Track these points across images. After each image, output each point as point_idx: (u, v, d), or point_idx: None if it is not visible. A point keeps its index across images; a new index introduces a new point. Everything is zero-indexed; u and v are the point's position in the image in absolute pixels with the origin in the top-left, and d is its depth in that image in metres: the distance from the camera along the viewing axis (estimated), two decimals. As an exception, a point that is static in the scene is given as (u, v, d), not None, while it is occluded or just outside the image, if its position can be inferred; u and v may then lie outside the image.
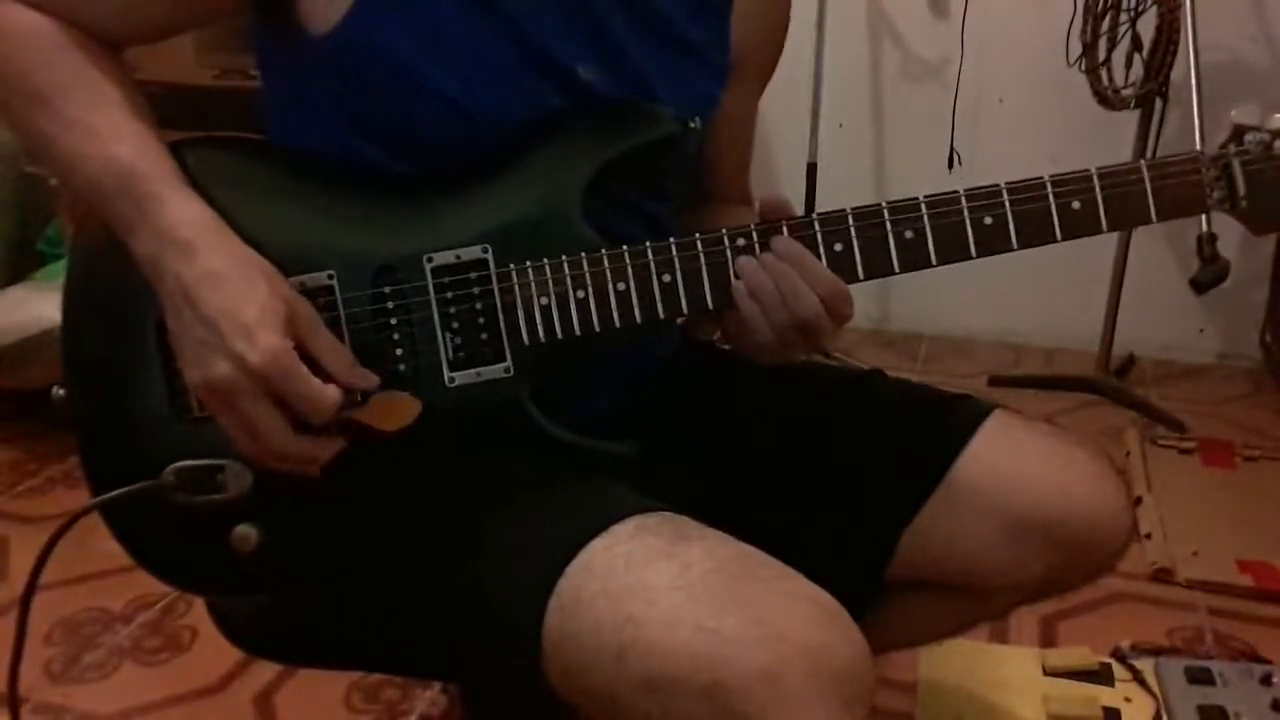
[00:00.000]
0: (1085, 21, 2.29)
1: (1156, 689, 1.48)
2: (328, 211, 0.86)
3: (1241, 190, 0.87)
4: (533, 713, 0.83)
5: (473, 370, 0.84)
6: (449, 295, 0.84)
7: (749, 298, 0.84)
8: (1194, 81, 1.99)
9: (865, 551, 0.99)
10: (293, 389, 0.74)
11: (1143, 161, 0.86)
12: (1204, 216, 1.89)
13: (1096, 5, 2.27)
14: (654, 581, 0.72)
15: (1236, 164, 0.87)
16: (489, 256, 0.84)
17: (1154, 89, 2.23)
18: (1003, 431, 0.98)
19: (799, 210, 0.85)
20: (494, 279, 0.84)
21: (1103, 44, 2.28)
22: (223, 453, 0.79)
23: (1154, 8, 2.20)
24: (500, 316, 0.84)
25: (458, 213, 0.85)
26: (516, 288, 0.84)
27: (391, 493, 0.86)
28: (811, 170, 2.62)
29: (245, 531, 0.82)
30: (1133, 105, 2.28)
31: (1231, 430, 2.37)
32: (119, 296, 0.84)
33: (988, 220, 0.85)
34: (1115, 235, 2.47)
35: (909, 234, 0.85)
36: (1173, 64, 2.18)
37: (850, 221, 0.85)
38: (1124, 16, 2.24)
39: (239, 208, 0.81)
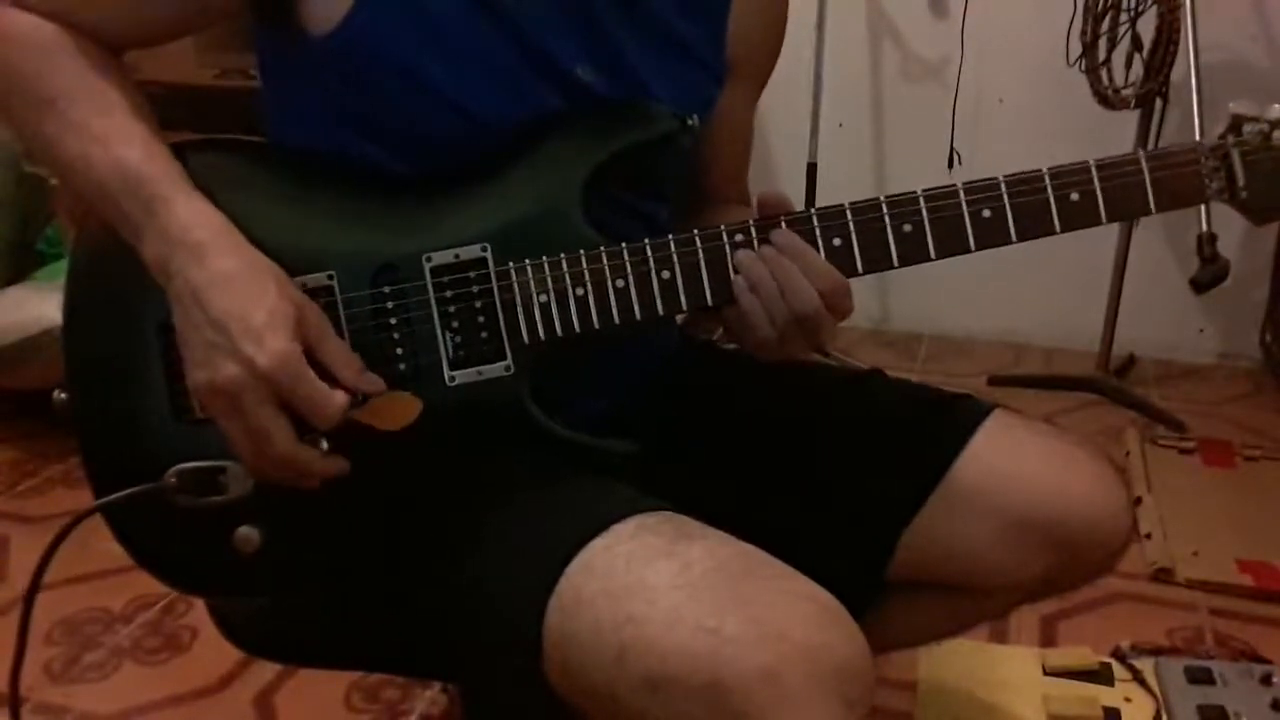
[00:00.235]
0: (1085, 21, 2.29)
1: (1156, 689, 1.48)
2: (327, 212, 0.86)
3: (1241, 180, 0.87)
4: (533, 713, 0.83)
5: (473, 369, 0.84)
6: (449, 294, 0.84)
7: (748, 292, 0.84)
8: (1194, 81, 1.99)
9: (865, 551, 0.99)
10: (300, 393, 0.74)
11: (1141, 152, 0.86)
12: (1204, 216, 1.89)
13: (1096, 5, 2.27)
14: (654, 581, 0.72)
15: (1235, 154, 0.87)
16: (488, 255, 0.84)
17: (1154, 89, 2.23)
18: (1003, 431, 0.98)
19: (798, 207, 0.86)
20: (493, 278, 0.84)
21: (1103, 44, 2.28)
22: (224, 454, 0.79)
23: (1154, 8, 2.20)
24: (500, 315, 0.84)
25: (457, 212, 0.85)
26: (516, 286, 0.84)
27: (392, 492, 0.86)
28: (811, 170, 2.62)
29: (247, 533, 0.82)
30: (1133, 105, 2.28)
31: (1231, 430, 2.37)
32: (120, 298, 0.84)
33: (986, 213, 0.85)
34: (1115, 234, 2.47)
35: (907, 228, 0.85)
36: (1173, 64, 2.18)
37: (848, 216, 0.85)
38: (1124, 16, 2.24)
39: (240, 209, 0.81)
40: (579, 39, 0.87)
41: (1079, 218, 0.86)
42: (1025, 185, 0.85)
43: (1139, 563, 1.83)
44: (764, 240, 0.84)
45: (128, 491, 0.82)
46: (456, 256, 0.84)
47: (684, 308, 0.85)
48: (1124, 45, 2.26)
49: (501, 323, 0.84)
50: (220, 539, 0.82)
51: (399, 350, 0.84)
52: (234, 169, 0.87)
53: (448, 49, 0.83)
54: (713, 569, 0.73)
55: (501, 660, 0.80)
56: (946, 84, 2.69)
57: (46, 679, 1.56)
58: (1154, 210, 0.87)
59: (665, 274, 0.84)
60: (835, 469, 1.00)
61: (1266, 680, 1.46)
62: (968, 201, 0.85)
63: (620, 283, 0.84)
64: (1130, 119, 2.33)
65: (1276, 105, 0.86)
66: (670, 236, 0.85)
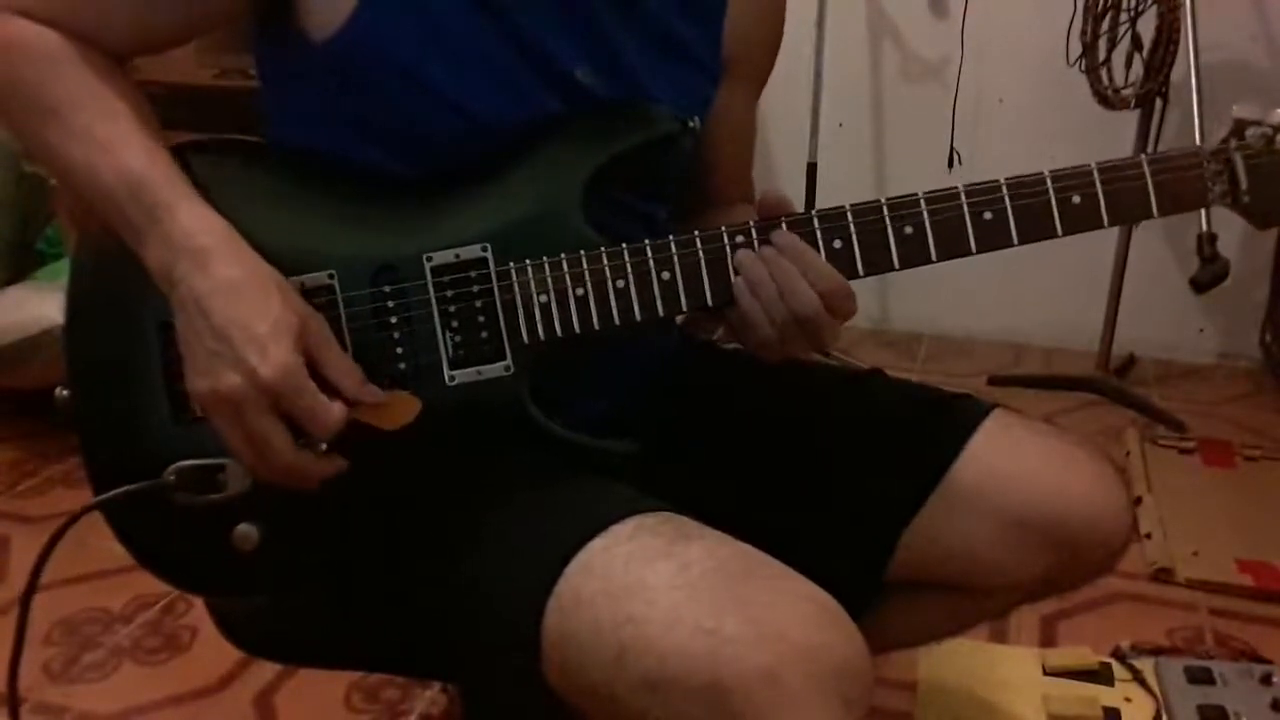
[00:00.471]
0: (1085, 21, 2.29)
1: (1156, 689, 1.48)
2: (328, 212, 0.86)
3: (1244, 184, 0.86)
4: (532, 712, 0.83)
5: (473, 369, 0.84)
6: (449, 294, 0.84)
7: (748, 293, 0.84)
8: (1194, 81, 1.99)
9: (865, 551, 0.99)
10: (301, 404, 0.74)
11: (1143, 156, 0.86)
12: (1204, 216, 1.89)
13: (1096, 5, 2.27)
14: (653, 581, 0.72)
15: (1238, 158, 0.86)
16: (489, 255, 0.84)
17: (1154, 89, 2.23)
18: (1002, 431, 0.98)
19: (799, 206, 0.86)
20: (494, 277, 0.84)
21: (1103, 44, 2.28)
22: (224, 452, 0.79)
23: (1154, 7, 2.20)
24: (500, 315, 0.84)
25: (458, 212, 0.85)
26: (516, 286, 0.84)
27: (392, 492, 0.86)
28: (811, 170, 2.62)
29: (246, 530, 0.82)
30: (1133, 105, 2.28)
31: (1231, 430, 2.37)
32: (121, 297, 0.84)
33: (987, 215, 0.85)
34: (1115, 235, 2.47)
35: (908, 230, 0.85)
36: (1173, 64, 2.18)
37: (849, 218, 0.85)
38: (1124, 16, 2.24)
39: (240, 210, 0.81)
40: (578, 40, 0.87)
41: (1081, 221, 0.85)
42: (1027, 188, 0.85)
43: (1139, 563, 1.83)
44: (764, 241, 0.84)
45: (126, 489, 0.82)
46: (457, 256, 0.84)
47: (684, 308, 0.85)
48: (1124, 45, 2.27)
49: (501, 323, 0.84)
50: (219, 537, 0.82)
51: (399, 350, 0.84)
52: (234, 170, 0.87)
53: (448, 50, 0.83)
54: (712, 569, 0.73)
55: (501, 660, 0.80)
56: (946, 84, 2.69)
57: (46, 679, 1.56)
58: (1156, 214, 0.86)
59: (665, 275, 0.84)
60: (835, 469, 1.00)
61: (1266, 680, 1.46)
62: (969, 204, 0.85)
63: (620, 283, 0.84)
64: (1130, 119, 2.33)
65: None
66: (671, 237, 0.85)
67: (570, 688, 0.76)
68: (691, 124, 0.90)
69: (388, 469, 0.83)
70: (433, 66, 0.83)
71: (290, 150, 0.91)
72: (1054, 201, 0.85)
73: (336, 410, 0.75)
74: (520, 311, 0.84)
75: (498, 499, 0.86)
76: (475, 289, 0.84)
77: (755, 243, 0.84)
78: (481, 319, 0.84)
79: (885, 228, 0.85)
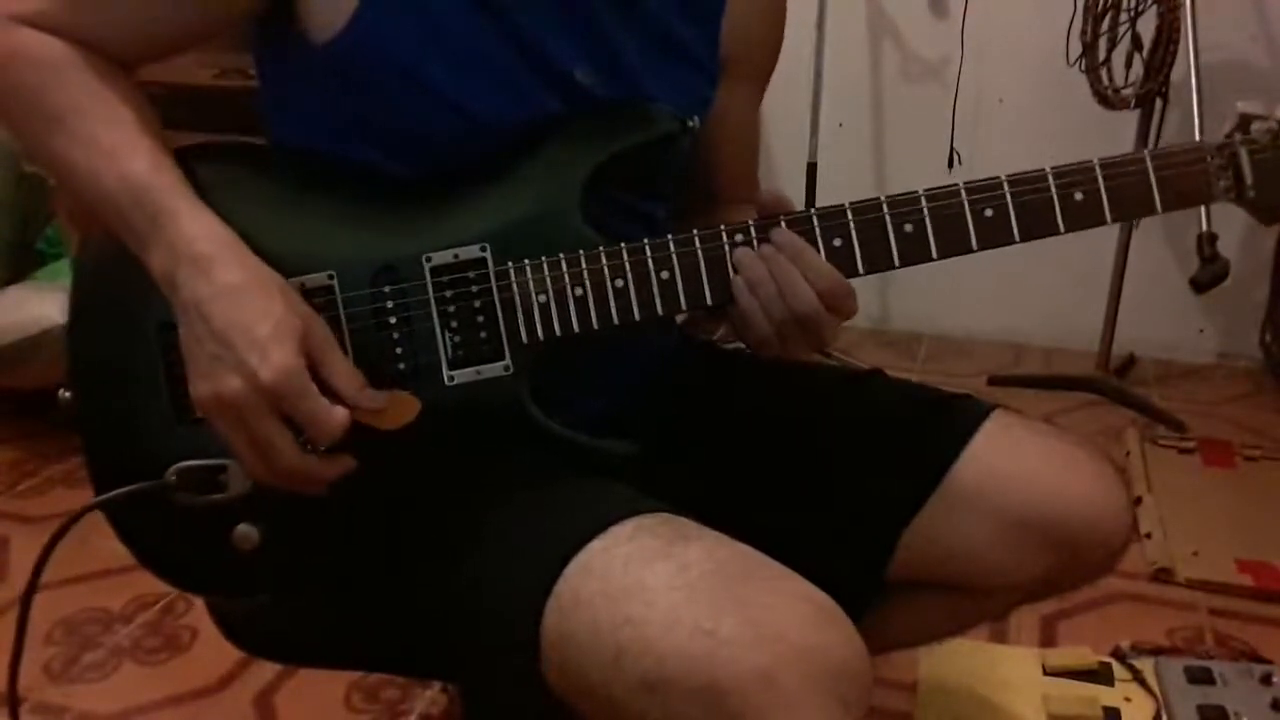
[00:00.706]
0: (1085, 21, 2.29)
1: (1156, 689, 1.48)
2: (328, 213, 0.86)
3: (1249, 179, 0.86)
4: (532, 713, 0.83)
5: (472, 368, 0.84)
6: (448, 294, 0.84)
7: (747, 292, 0.84)
8: (1194, 81, 1.99)
9: (865, 551, 0.99)
10: (302, 408, 0.74)
11: (1146, 151, 0.86)
12: (1204, 216, 1.89)
13: (1096, 5, 2.28)
14: (652, 583, 0.72)
15: (1243, 153, 0.86)
16: (487, 255, 0.84)
17: (1154, 89, 2.23)
18: (1003, 432, 0.98)
19: (799, 207, 0.85)
20: (493, 277, 0.84)
21: (1103, 44, 2.28)
22: (225, 453, 0.79)
23: (1154, 7, 2.20)
24: (499, 315, 0.84)
25: (457, 213, 0.85)
26: (515, 286, 0.84)
27: (392, 492, 0.86)
28: (811, 170, 2.62)
29: (246, 531, 0.83)
30: (1133, 105, 2.29)
31: (1231, 430, 2.37)
32: (124, 299, 0.84)
33: (988, 212, 0.84)
34: (1115, 235, 2.47)
35: (908, 227, 0.84)
36: (1173, 64, 2.18)
37: (849, 216, 0.84)
38: (1124, 16, 2.24)
39: (241, 212, 0.81)
40: (578, 41, 0.87)
41: (1083, 217, 0.85)
42: (1028, 184, 0.85)
43: (1139, 563, 1.83)
44: (764, 240, 0.84)
45: (127, 489, 0.82)
46: (456, 256, 0.84)
47: (683, 308, 0.85)
48: (1124, 45, 2.27)
49: (500, 323, 0.84)
50: (219, 537, 0.82)
51: (398, 350, 0.84)
52: (236, 173, 0.87)
53: (448, 51, 0.83)
54: (710, 571, 0.73)
55: (500, 661, 0.80)
56: (946, 84, 2.69)
57: (46, 679, 1.56)
58: (1160, 210, 0.86)
59: (664, 274, 0.84)
60: (835, 469, 1.00)
61: (1266, 680, 1.46)
62: (970, 201, 0.84)
63: (619, 283, 0.84)
64: (1130, 119, 2.33)
65: (1286, 104, 0.86)
66: (669, 236, 0.85)
67: (569, 688, 0.76)
68: (691, 123, 0.90)
69: (387, 469, 0.83)
70: (433, 67, 0.83)
71: (291, 151, 0.91)
72: (1056, 198, 0.85)
73: (338, 414, 0.75)
74: (519, 311, 0.84)
75: (497, 499, 0.86)
76: (474, 289, 0.84)
77: (754, 241, 0.84)
78: (480, 319, 0.84)
79: (885, 225, 0.84)
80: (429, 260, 0.84)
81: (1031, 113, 2.65)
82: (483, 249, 0.84)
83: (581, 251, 0.84)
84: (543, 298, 0.84)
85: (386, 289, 0.84)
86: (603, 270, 0.84)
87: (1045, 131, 2.54)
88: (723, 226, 0.85)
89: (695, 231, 0.85)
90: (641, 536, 0.76)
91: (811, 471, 1.01)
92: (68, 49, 0.82)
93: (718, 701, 0.68)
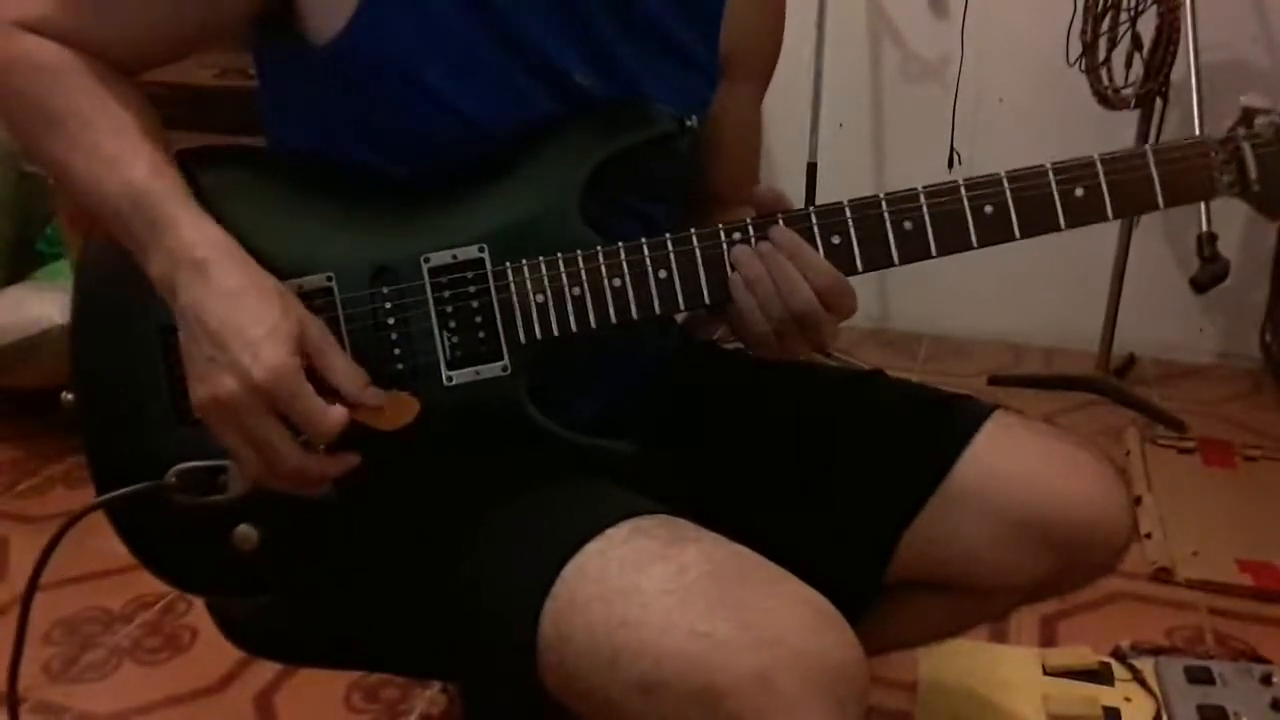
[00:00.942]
0: (1085, 21, 2.29)
1: (1156, 689, 1.48)
2: (327, 215, 0.86)
3: (1253, 174, 0.85)
4: (532, 713, 0.83)
5: (470, 369, 0.84)
6: (446, 295, 0.84)
7: (745, 290, 0.83)
8: (1194, 81, 1.99)
9: (866, 552, 0.99)
10: (296, 408, 0.74)
11: (1148, 146, 0.85)
12: (1204, 215, 1.89)
13: (1096, 5, 2.27)
14: (648, 585, 0.73)
15: (1247, 147, 0.85)
16: (485, 256, 0.84)
17: (1154, 89, 2.23)
18: (1003, 432, 0.98)
19: (798, 206, 0.85)
20: (490, 278, 0.84)
21: (1103, 44, 2.28)
22: (225, 454, 0.79)
23: (1154, 7, 2.20)
24: (497, 315, 0.84)
25: (456, 214, 0.85)
26: (513, 286, 0.84)
27: (391, 493, 0.86)
28: (811, 170, 2.62)
29: (246, 531, 0.83)
30: (1133, 105, 2.29)
31: (1231, 430, 2.37)
32: (125, 302, 0.84)
33: (988, 209, 0.84)
34: (1115, 235, 2.47)
35: (908, 225, 0.84)
36: (1173, 64, 2.18)
37: (848, 213, 0.84)
38: (1124, 16, 2.24)
39: (241, 216, 0.82)
40: (575, 43, 0.87)
41: (1084, 213, 0.84)
42: (1028, 180, 0.84)
43: (1139, 563, 1.83)
44: (761, 238, 0.84)
45: (127, 490, 0.82)
46: (454, 257, 0.84)
47: (681, 307, 0.85)
48: (1124, 45, 2.27)
49: (499, 323, 0.84)
50: (220, 538, 0.83)
51: (397, 351, 0.84)
52: (236, 178, 0.88)
53: (447, 54, 0.83)
54: (707, 573, 0.73)
55: (499, 662, 0.80)
56: (946, 84, 2.69)
57: (46, 678, 1.56)
58: (1162, 205, 0.85)
59: (662, 273, 0.84)
60: (836, 469, 1.00)
61: (1266, 680, 1.46)
62: (969, 198, 0.84)
63: (617, 282, 0.84)
64: (1130, 119, 2.33)
65: (1290, 98, 0.85)
66: (667, 236, 0.84)
67: (567, 691, 0.76)
68: (689, 123, 0.90)
69: (387, 470, 0.83)
70: (431, 69, 0.83)
71: (290, 153, 0.91)
72: (1056, 194, 0.84)
73: (335, 413, 0.75)
74: (517, 312, 0.84)
75: (496, 500, 0.86)
76: (472, 289, 0.84)
77: (752, 240, 0.84)
78: (478, 319, 0.84)
79: (884, 223, 0.84)
80: (427, 261, 0.84)
81: (1031, 113, 2.65)
82: (481, 249, 0.84)
83: (579, 251, 0.84)
84: (540, 298, 0.84)
85: (385, 290, 0.84)
86: (600, 270, 0.84)
87: (1045, 131, 2.54)
88: (720, 225, 0.85)
89: (693, 231, 0.84)
90: (638, 538, 0.76)
91: (812, 472, 1.01)
92: (70, 55, 0.82)
93: (714, 704, 0.68)
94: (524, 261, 0.84)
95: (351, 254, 0.84)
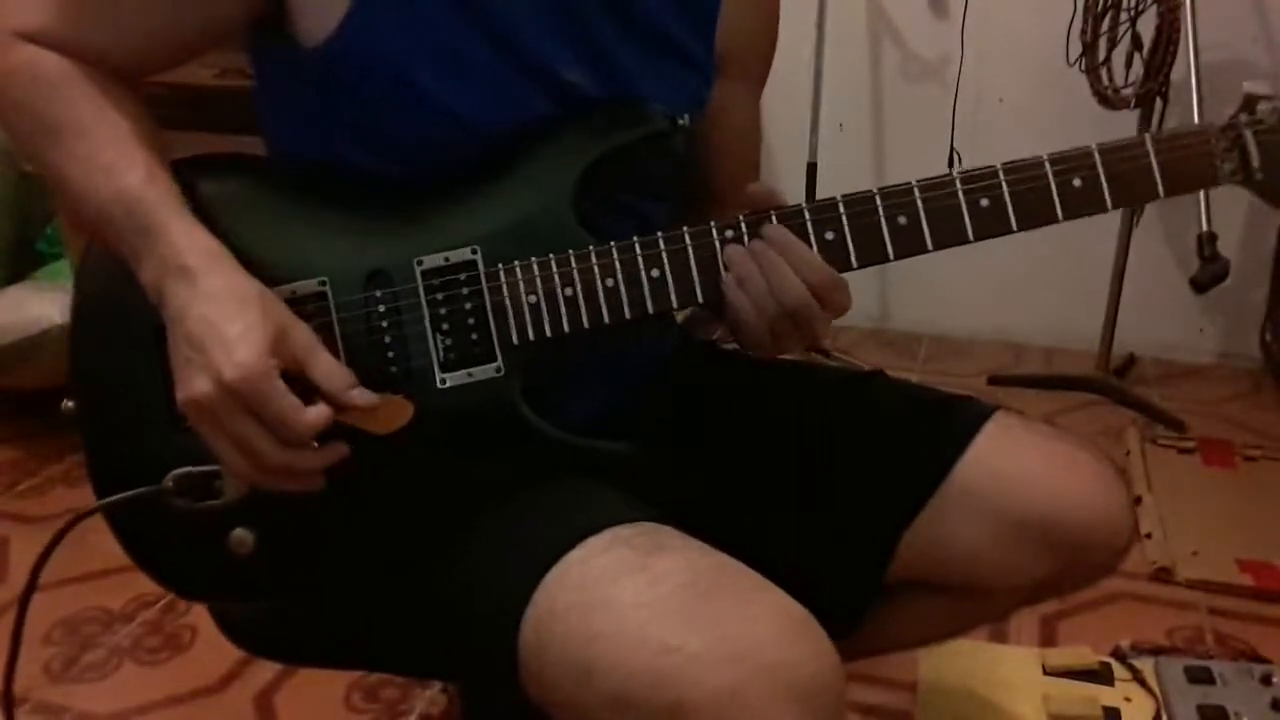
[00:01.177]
0: (1085, 21, 2.29)
1: (1156, 688, 1.48)
2: (320, 220, 0.87)
3: (1256, 161, 0.84)
4: (528, 714, 0.83)
5: (464, 371, 0.84)
6: (439, 297, 0.84)
7: (737, 288, 0.83)
8: (1194, 81, 1.99)
9: (866, 552, 0.99)
10: (268, 408, 0.74)
11: (1147, 135, 0.84)
12: (1204, 215, 1.89)
13: (1096, 5, 2.27)
14: (623, 597, 0.72)
15: (1249, 134, 0.84)
16: (478, 258, 0.84)
17: (1154, 89, 2.23)
18: (1004, 434, 0.98)
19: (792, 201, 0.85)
20: (483, 279, 0.84)
21: (1103, 43, 2.28)
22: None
23: (1154, 7, 2.20)
24: (490, 317, 0.84)
25: (448, 216, 0.86)
26: (505, 287, 0.84)
27: (385, 495, 0.86)
28: (811, 170, 2.62)
29: (242, 535, 0.83)
30: (1133, 105, 2.28)
31: (1231, 430, 2.37)
32: (124, 306, 0.84)
33: (984, 202, 0.83)
34: (1115, 235, 2.47)
35: (902, 219, 0.83)
36: (1173, 64, 2.18)
37: (841, 209, 0.84)
38: (1124, 16, 2.24)
39: (237, 223, 0.83)
40: (569, 42, 0.87)
41: (1083, 204, 0.83)
42: (1024, 172, 0.84)
43: (1139, 562, 1.83)
44: (754, 235, 0.84)
45: (123, 495, 0.82)
46: (447, 260, 0.84)
47: (674, 305, 0.85)
48: (1124, 45, 2.26)
49: (491, 324, 0.84)
50: (216, 542, 0.83)
51: (390, 354, 0.84)
52: (232, 185, 0.88)
53: (439, 55, 0.83)
54: (682, 584, 0.73)
55: (487, 667, 0.80)
56: (946, 84, 2.69)
57: (46, 679, 1.56)
58: (1162, 194, 0.84)
59: (655, 272, 0.84)
60: (836, 470, 1.00)
61: (1266, 680, 1.46)
62: (964, 191, 0.83)
63: (609, 282, 0.84)
64: (1130, 119, 2.33)
65: (1293, 84, 0.85)
66: (659, 234, 0.84)
67: (546, 699, 0.76)
68: (681, 121, 0.89)
69: (381, 473, 0.83)
70: (423, 72, 0.83)
71: (286, 155, 0.92)
72: (1053, 185, 0.83)
73: (312, 414, 0.75)
74: (510, 313, 0.84)
75: (489, 503, 0.86)
76: (465, 291, 0.84)
77: (745, 237, 0.84)
78: (471, 321, 0.84)
79: (879, 218, 0.84)
80: (420, 264, 0.84)
81: (1031, 113, 2.65)
82: (474, 251, 0.84)
83: (571, 251, 0.84)
84: (533, 299, 0.84)
85: (378, 294, 0.84)
86: (593, 270, 0.84)
87: (1045, 131, 2.54)
88: (712, 223, 0.84)
89: (685, 229, 0.84)
90: (618, 548, 0.76)
91: (812, 472, 1.01)
92: (70, 65, 0.83)
93: (684, 719, 0.68)
94: (516, 263, 0.84)
95: (346, 258, 0.84)
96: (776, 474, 1.02)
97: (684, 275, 0.84)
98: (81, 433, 0.87)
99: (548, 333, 0.84)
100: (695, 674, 0.68)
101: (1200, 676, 1.48)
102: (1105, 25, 2.27)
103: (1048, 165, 0.84)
